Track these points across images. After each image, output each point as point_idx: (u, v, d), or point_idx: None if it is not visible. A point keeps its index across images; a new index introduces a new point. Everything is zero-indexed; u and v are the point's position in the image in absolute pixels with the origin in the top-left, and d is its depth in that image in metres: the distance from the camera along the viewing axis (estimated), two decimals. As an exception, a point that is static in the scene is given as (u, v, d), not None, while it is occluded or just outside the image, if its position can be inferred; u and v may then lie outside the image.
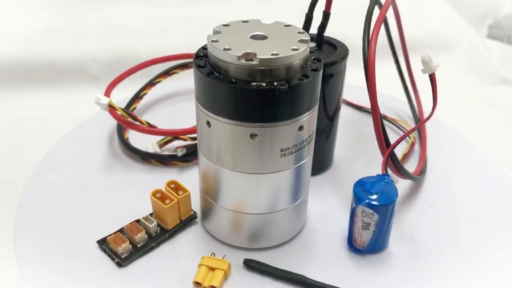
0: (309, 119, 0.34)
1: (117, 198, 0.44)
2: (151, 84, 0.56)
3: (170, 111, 0.59)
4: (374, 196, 0.36)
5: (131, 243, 0.38)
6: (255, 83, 0.31)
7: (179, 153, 0.47)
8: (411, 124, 0.56)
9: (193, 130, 0.47)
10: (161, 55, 0.58)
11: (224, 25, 0.35)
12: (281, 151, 0.34)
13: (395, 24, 0.51)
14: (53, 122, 0.59)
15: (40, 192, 0.45)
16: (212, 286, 0.35)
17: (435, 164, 0.50)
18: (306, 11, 0.42)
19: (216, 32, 0.34)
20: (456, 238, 0.41)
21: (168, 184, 0.40)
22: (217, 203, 0.38)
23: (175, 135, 0.47)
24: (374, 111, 0.37)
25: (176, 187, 0.40)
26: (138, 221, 0.40)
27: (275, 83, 0.31)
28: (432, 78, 0.33)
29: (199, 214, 0.42)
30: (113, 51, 0.80)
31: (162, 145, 0.49)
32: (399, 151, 0.50)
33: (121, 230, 0.39)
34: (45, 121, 0.69)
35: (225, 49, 0.31)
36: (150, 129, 0.46)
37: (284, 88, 0.31)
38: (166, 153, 0.49)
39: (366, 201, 0.36)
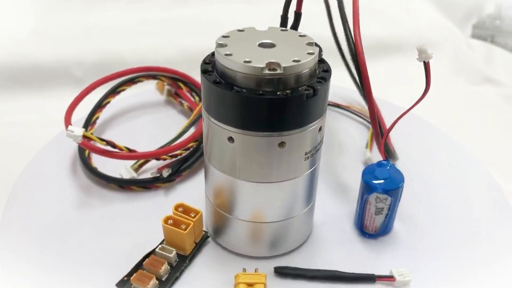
0: (324, 119, 0.35)
1: (108, 236, 0.41)
2: (114, 92, 0.53)
3: (134, 125, 0.56)
4: (385, 182, 0.38)
5: (156, 278, 0.35)
6: (280, 92, 0.31)
7: (165, 173, 0.44)
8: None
9: (176, 148, 0.45)
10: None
11: (224, 36, 0.34)
12: (305, 154, 0.34)
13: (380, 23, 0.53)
14: (37, 126, 0.57)
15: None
16: (257, 301, 0.34)
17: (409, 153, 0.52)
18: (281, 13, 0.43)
19: (221, 45, 0.33)
20: (440, 207, 0.45)
21: (176, 208, 0.38)
22: (233, 216, 0.37)
23: (157, 156, 0.45)
24: (370, 104, 0.39)
25: (185, 209, 0.38)
26: (151, 253, 0.37)
27: (299, 89, 0.32)
28: (427, 65, 0.36)
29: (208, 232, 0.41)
30: (98, 54, 0.77)
31: (137, 168, 0.47)
32: (364, 140, 0.53)
33: (138, 267, 0.36)
34: (29, 125, 0.65)
35: (246, 62, 0.31)
36: (131, 154, 0.43)
37: (310, 93, 0.31)
38: (144, 176, 0.46)
39: (380, 187, 0.38)
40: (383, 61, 0.79)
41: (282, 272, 0.37)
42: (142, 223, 0.42)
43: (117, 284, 0.35)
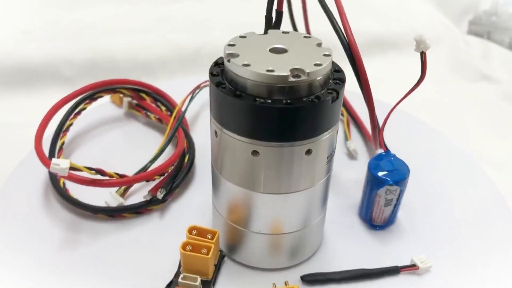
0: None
1: (109, 274, 0.37)
2: (75, 113, 0.49)
3: (101, 143, 0.52)
4: (394, 173, 0.39)
5: (186, 310, 0.33)
6: (305, 98, 0.30)
7: (160, 195, 0.41)
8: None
9: (167, 166, 0.42)
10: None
11: (230, 45, 0.32)
12: (327, 158, 0.34)
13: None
14: (24, 127, 0.51)
15: None
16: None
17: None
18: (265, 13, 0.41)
19: (232, 55, 0.31)
20: (434, 197, 0.46)
21: (190, 232, 0.36)
22: (251, 230, 0.36)
23: (150, 178, 0.41)
24: (368, 96, 0.39)
25: (200, 231, 0.36)
26: (171, 284, 0.35)
27: (323, 93, 0.31)
28: (423, 55, 0.37)
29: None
30: (87, 52, 0.71)
31: (123, 193, 0.43)
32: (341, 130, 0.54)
33: (163, 302, 0.34)
34: (15, 127, 0.59)
35: (268, 71, 0.29)
36: (123, 180, 0.39)
37: (334, 96, 0.31)
38: (132, 199, 0.43)
39: (391, 179, 0.38)
40: (378, 57, 0.78)
41: (310, 280, 0.36)
42: (144, 252, 0.39)
43: (145, 325, 0.33)
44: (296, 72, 0.29)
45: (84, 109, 0.49)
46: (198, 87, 0.54)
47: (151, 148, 0.50)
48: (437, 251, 0.39)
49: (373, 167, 0.39)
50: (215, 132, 0.33)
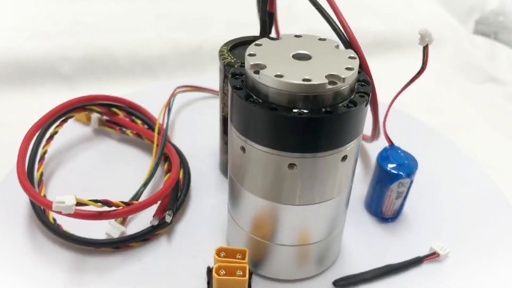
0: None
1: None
2: (48, 138, 0.44)
3: (80, 166, 0.47)
4: (405, 166, 0.39)
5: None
6: (340, 104, 0.29)
7: (169, 218, 0.38)
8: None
9: (169, 186, 0.39)
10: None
11: (251, 55, 0.30)
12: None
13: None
14: (21, 125, 0.47)
15: None
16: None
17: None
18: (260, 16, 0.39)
19: (260, 66, 0.29)
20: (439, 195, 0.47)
21: (219, 254, 0.34)
22: (278, 243, 0.35)
23: (156, 201, 0.38)
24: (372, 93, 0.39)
25: (228, 252, 0.34)
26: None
27: (355, 97, 0.30)
28: (426, 47, 0.37)
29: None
30: (85, 49, 0.69)
31: (123, 221, 0.40)
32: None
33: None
34: (12, 125, 0.57)
35: (305, 80, 0.28)
36: (130, 208, 0.36)
37: (366, 99, 0.30)
38: (134, 226, 0.40)
39: (404, 173, 0.39)
40: (381, 57, 0.76)
41: (344, 284, 0.36)
42: (162, 283, 0.36)
43: None
44: (331, 78, 0.29)
45: (56, 132, 0.45)
46: (173, 95, 0.51)
47: (133, 165, 0.47)
48: (450, 238, 0.41)
49: (384, 162, 0.40)
50: (242, 148, 0.31)
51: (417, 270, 0.38)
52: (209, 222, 0.42)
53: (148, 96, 0.53)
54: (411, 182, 0.40)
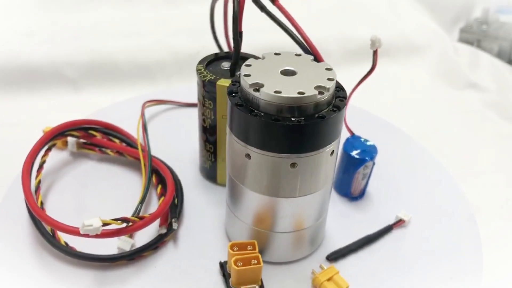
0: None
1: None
2: (39, 168, 0.47)
3: (69, 191, 0.49)
4: (368, 151, 0.47)
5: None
6: (326, 110, 0.35)
7: (175, 225, 0.42)
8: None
9: (171, 196, 0.43)
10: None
11: (246, 75, 0.35)
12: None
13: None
14: (29, 124, 0.58)
15: None
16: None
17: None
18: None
19: (259, 85, 0.34)
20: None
21: (232, 249, 0.39)
22: (277, 231, 0.40)
23: (165, 211, 0.42)
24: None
25: (240, 246, 0.39)
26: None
27: (338, 102, 0.36)
28: (375, 52, 0.44)
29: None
30: (89, 54, 0.75)
31: (131, 235, 0.43)
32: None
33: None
34: (21, 124, 0.64)
35: (300, 93, 0.34)
36: (145, 221, 0.40)
37: (344, 102, 0.37)
38: (140, 240, 0.43)
39: (368, 157, 0.46)
40: (368, 63, 0.79)
41: (335, 257, 0.43)
42: (182, 283, 0.40)
43: None
44: (319, 89, 0.34)
45: (44, 162, 0.47)
46: (143, 112, 0.55)
47: (120, 181, 0.50)
48: (409, 207, 0.49)
49: (350, 150, 0.47)
50: (248, 155, 0.36)
51: (389, 236, 0.46)
52: (204, 221, 0.46)
53: (118, 111, 0.57)
54: (374, 164, 0.47)
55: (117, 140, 0.52)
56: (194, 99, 0.50)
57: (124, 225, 0.39)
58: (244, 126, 0.36)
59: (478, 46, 0.92)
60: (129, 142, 0.51)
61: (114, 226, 0.38)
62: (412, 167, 0.56)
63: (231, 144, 0.38)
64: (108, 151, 0.52)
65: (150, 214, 0.41)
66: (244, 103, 0.35)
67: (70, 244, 0.41)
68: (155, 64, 0.62)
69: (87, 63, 0.74)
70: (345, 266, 0.42)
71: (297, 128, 0.34)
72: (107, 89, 0.70)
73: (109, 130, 0.52)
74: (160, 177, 0.48)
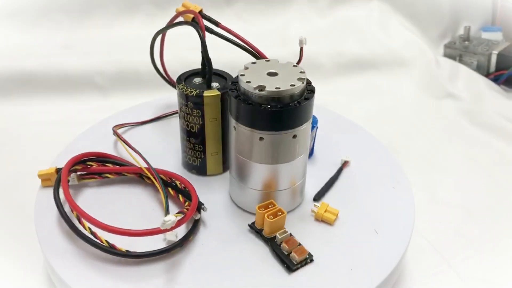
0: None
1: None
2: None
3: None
4: (313, 121, 0.63)
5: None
6: (300, 99, 0.51)
7: (205, 209, 0.54)
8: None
9: (196, 197, 0.55)
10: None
11: (248, 82, 0.49)
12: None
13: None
14: (64, 124, 0.81)
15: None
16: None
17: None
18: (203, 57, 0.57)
19: (261, 87, 0.48)
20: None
21: (260, 209, 0.52)
22: (278, 190, 0.55)
23: (197, 206, 0.53)
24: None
25: (264, 207, 0.53)
26: (274, 239, 0.51)
27: (308, 94, 0.52)
28: (301, 49, 0.59)
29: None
30: (117, 66, 0.94)
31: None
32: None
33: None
34: (57, 124, 0.84)
35: (292, 85, 0.49)
36: (191, 211, 0.51)
37: (312, 95, 0.53)
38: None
39: (314, 124, 0.63)
40: (362, 75, 0.92)
41: (321, 194, 0.59)
42: (232, 254, 0.51)
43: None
44: (292, 85, 0.50)
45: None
46: (117, 134, 0.64)
47: (132, 196, 0.59)
48: (346, 153, 0.67)
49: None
50: (260, 138, 0.50)
51: (344, 174, 0.64)
52: (211, 201, 0.56)
53: (95, 135, 0.68)
54: (317, 128, 0.65)
55: (111, 165, 0.60)
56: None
57: (181, 216, 0.49)
58: (248, 114, 0.49)
59: (460, 61, 1.06)
60: (123, 163, 0.60)
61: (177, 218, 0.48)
62: (351, 135, 0.72)
63: (238, 133, 0.51)
64: (108, 174, 0.60)
65: (188, 204, 0.52)
66: (241, 98, 0.49)
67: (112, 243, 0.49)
68: (171, 74, 0.69)
69: (115, 73, 0.92)
70: (327, 200, 0.59)
71: (285, 112, 0.49)
72: (130, 94, 0.90)
73: (101, 158, 0.60)
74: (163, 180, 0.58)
